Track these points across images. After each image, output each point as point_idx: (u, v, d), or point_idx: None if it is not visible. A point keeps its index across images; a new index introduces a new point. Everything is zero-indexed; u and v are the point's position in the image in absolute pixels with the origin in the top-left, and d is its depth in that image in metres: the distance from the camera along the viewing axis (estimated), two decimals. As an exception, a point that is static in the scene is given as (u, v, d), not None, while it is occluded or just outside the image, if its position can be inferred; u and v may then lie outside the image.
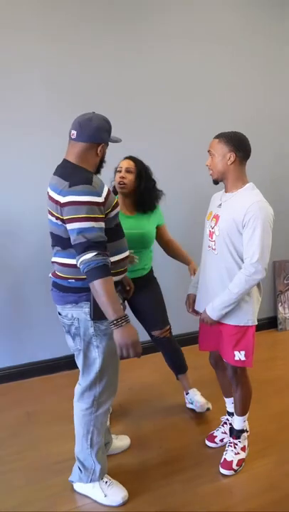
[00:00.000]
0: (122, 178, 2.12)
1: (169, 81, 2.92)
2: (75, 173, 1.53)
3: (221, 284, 1.83)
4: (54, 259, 1.66)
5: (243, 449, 2.08)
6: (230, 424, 2.15)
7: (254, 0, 3.06)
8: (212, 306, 1.82)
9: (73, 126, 1.59)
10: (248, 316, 1.85)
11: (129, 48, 2.78)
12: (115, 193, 2.22)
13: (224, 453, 2.08)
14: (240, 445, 2.07)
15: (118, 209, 1.65)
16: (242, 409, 2.05)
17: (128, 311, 2.30)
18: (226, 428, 2.22)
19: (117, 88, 2.77)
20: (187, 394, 2.49)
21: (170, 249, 2.39)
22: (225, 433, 2.21)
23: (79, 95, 2.68)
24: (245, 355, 1.90)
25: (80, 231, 1.46)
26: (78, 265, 1.48)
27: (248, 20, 3.07)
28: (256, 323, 1.90)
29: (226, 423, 2.24)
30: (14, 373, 2.87)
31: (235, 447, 2.07)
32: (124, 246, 1.70)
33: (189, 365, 2.48)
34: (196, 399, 2.44)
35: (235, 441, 2.08)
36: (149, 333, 2.34)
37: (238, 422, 2.08)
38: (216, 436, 2.22)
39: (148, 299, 2.29)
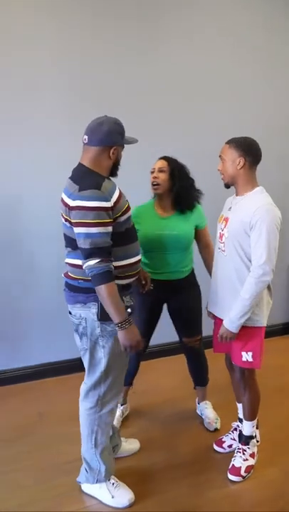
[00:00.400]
0: (155, 178, 2.08)
1: (173, 80, 2.93)
2: (85, 177, 1.57)
3: (230, 285, 1.84)
4: (66, 260, 1.72)
5: (252, 455, 2.05)
6: (240, 430, 2.12)
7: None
8: (229, 319, 1.81)
9: (86, 131, 1.63)
10: (257, 317, 1.84)
11: (135, 47, 2.79)
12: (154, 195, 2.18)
13: (232, 459, 2.05)
14: (248, 451, 2.04)
15: (129, 213, 1.67)
16: (250, 414, 2.03)
17: (165, 311, 2.30)
18: (236, 435, 2.19)
19: (123, 87, 2.80)
20: (199, 404, 2.47)
21: (203, 255, 2.25)
22: (234, 439, 2.18)
23: (87, 95, 2.71)
24: (253, 357, 1.88)
25: (86, 236, 1.51)
26: (84, 269, 1.56)
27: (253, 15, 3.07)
28: (265, 324, 1.88)
29: (236, 429, 2.21)
30: (29, 373, 2.91)
31: (244, 453, 2.04)
32: (135, 250, 1.72)
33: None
34: (206, 413, 2.40)
35: (244, 447, 2.05)
36: (179, 338, 2.32)
37: (247, 428, 2.05)
38: (224, 442, 2.20)
39: (183, 304, 2.22)
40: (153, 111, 2.91)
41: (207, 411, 2.41)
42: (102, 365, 1.70)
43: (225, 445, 2.19)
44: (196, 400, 2.50)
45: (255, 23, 3.11)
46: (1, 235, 2.75)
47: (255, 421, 2.07)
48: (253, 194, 1.78)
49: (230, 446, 2.18)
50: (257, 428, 2.15)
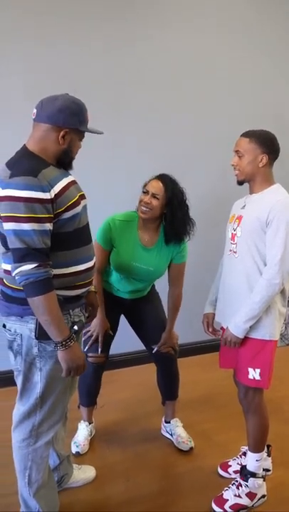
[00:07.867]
0: (147, 203, 1.76)
1: (169, 72, 2.60)
2: (22, 162, 1.29)
3: (240, 291, 1.61)
4: (2, 264, 1.39)
5: (249, 495, 1.65)
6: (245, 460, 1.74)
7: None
8: (234, 323, 1.59)
9: (36, 105, 1.36)
10: (266, 329, 1.58)
11: (128, 37, 2.45)
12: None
13: (224, 488, 1.69)
14: (244, 490, 1.65)
15: (78, 209, 1.35)
16: (254, 445, 1.65)
17: (123, 322, 2.04)
18: (244, 460, 1.79)
19: (110, 78, 2.46)
20: (168, 423, 2.10)
21: (170, 298, 1.98)
22: (241, 465, 1.79)
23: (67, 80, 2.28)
24: (261, 374, 1.59)
25: (16, 233, 1.23)
26: (13, 275, 1.26)
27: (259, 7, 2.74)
28: (277, 338, 1.61)
29: (244, 454, 1.81)
30: None
31: (238, 488, 1.66)
32: (87, 254, 1.41)
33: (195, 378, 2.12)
34: (177, 432, 2.04)
35: (242, 482, 1.67)
36: (149, 347, 2.00)
37: (250, 461, 1.67)
38: (230, 466, 1.85)
39: (149, 308, 2.01)
40: (149, 103, 2.56)
41: (179, 429, 2.05)
42: (37, 389, 1.40)
43: (231, 470, 1.84)
44: (163, 418, 2.13)
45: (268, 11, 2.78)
46: None
47: (261, 454, 1.66)
48: (270, 191, 1.61)
49: (237, 472, 1.80)
50: (269, 456, 1.76)
